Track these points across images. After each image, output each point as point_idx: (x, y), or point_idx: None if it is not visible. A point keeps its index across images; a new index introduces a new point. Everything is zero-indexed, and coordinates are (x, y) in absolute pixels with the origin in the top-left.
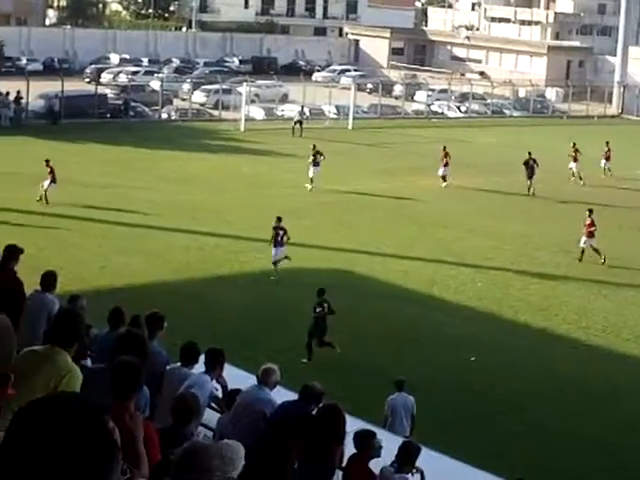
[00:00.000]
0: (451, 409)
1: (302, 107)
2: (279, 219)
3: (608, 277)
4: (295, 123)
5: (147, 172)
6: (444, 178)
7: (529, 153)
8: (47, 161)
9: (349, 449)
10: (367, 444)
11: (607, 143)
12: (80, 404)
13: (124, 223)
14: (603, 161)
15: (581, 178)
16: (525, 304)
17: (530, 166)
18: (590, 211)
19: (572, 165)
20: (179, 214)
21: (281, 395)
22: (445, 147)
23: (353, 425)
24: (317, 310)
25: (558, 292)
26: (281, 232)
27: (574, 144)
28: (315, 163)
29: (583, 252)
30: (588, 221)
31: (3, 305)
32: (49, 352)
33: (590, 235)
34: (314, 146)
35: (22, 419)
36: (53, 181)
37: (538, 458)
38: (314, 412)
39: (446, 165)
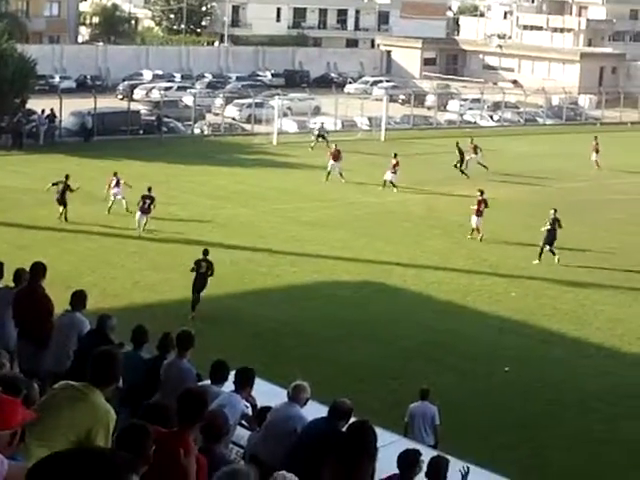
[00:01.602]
0: (485, 420)
1: (322, 123)
2: (149, 189)
3: None
4: (317, 137)
5: (180, 187)
6: (393, 184)
7: (457, 143)
8: (115, 173)
9: (381, 466)
10: (413, 469)
11: (595, 137)
12: (100, 462)
13: (157, 239)
14: (594, 154)
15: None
16: (559, 313)
17: (461, 152)
18: (482, 192)
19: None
20: (212, 229)
21: (313, 409)
22: (396, 154)
23: (384, 439)
24: (201, 265)
25: (592, 300)
26: (148, 201)
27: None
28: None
29: (473, 231)
30: (479, 198)
31: (33, 321)
32: (86, 390)
33: (479, 214)
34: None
35: (40, 473)
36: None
37: (575, 466)
38: (344, 429)
39: (394, 172)
